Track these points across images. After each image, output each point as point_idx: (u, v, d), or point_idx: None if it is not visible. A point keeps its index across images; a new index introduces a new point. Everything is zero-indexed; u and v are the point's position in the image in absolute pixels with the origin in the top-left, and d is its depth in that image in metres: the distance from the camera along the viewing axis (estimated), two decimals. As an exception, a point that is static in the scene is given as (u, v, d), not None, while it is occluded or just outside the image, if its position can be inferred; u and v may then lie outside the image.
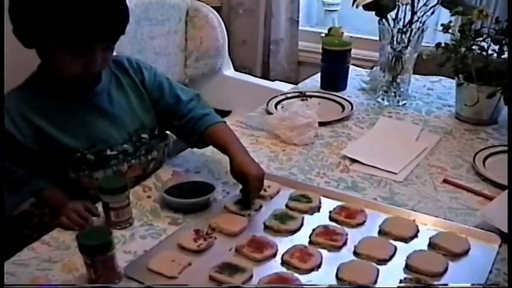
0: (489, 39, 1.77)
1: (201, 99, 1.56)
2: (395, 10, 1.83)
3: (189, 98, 1.53)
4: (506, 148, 1.63)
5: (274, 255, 1.18)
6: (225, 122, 1.54)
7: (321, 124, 1.79)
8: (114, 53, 1.41)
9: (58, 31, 1.24)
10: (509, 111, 1.76)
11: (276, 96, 2.04)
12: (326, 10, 3.38)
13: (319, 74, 2.20)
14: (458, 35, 1.79)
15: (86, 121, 1.40)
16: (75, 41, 1.25)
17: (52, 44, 1.27)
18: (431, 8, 1.80)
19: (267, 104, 1.97)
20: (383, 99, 2.01)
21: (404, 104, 2.00)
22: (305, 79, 2.32)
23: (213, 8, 3.00)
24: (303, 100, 2.00)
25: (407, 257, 1.17)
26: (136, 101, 1.49)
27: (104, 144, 1.42)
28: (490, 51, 1.78)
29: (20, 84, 1.40)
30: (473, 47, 1.78)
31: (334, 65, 2.14)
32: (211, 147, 1.52)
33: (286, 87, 2.49)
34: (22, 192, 1.37)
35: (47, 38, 1.27)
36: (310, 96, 2.04)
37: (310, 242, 1.23)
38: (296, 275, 1.12)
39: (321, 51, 2.13)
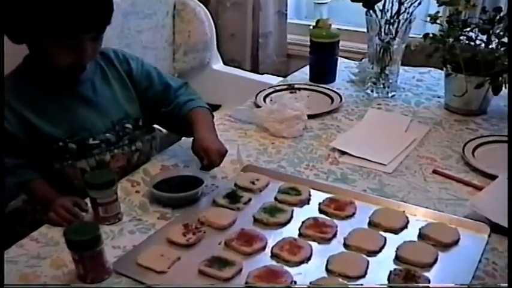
0: (477, 29, 1.77)
1: (189, 87, 1.58)
2: (383, 1, 1.82)
3: (178, 85, 1.56)
4: (495, 138, 1.64)
5: (264, 248, 1.18)
6: (209, 108, 1.54)
7: (310, 116, 1.79)
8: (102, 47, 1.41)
9: (47, 24, 1.25)
10: (509, 101, 1.75)
11: (265, 90, 2.03)
12: (315, 3, 3.37)
13: (308, 67, 2.19)
14: (446, 25, 1.79)
15: (69, 109, 1.41)
16: (65, 32, 1.26)
17: (42, 37, 1.29)
18: (418, -2, 1.80)
19: (256, 97, 1.96)
20: (372, 91, 2.01)
21: (393, 95, 2.00)
22: (294, 71, 2.32)
23: (201, 1, 2.98)
24: (291, 93, 2.00)
25: (397, 248, 1.17)
26: (120, 91, 1.50)
27: (87, 132, 1.42)
28: (477, 41, 1.79)
29: (5, 75, 1.41)
30: (461, 37, 1.79)
31: (322, 57, 2.13)
32: None
33: (275, 80, 2.47)
34: (8, 183, 1.35)
35: (36, 33, 1.28)
36: (299, 89, 2.03)
37: (299, 235, 1.22)
38: (286, 267, 1.12)
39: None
